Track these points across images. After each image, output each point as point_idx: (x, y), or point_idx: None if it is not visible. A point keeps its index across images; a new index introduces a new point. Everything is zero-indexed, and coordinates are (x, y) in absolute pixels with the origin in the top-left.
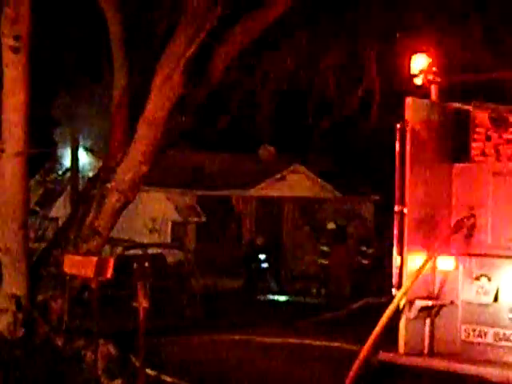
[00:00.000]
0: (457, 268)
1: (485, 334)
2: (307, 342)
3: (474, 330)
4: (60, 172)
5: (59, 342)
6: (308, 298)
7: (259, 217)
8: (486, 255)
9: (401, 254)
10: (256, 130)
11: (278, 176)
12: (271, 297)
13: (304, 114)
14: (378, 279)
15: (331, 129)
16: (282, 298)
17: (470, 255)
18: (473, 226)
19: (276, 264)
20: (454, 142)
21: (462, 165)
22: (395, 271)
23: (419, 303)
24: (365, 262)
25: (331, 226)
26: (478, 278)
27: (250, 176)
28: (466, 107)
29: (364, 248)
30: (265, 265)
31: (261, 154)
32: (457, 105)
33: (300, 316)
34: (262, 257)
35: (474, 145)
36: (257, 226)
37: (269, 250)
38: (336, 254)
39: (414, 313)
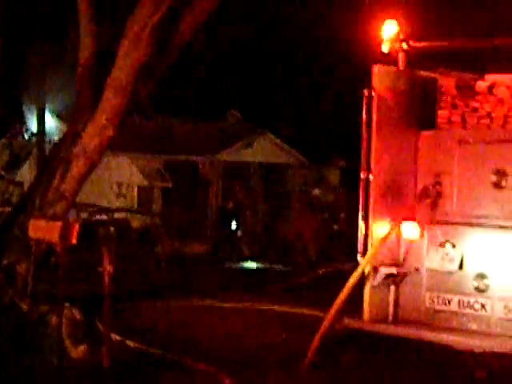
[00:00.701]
0: (422, 235)
1: (449, 302)
2: (273, 307)
3: (439, 298)
4: (26, 136)
5: (24, 306)
6: (276, 265)
7: (225, 182)
8: (450, 223)
9: (366, 220)
10: (223, 96)
11: (245, 142)
12: (241, 263)
13: (270, 81)
14: (347, 245)
15: (297, 95)
16: (250, 265)
17: (435, 223)
18: (438, 194)
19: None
20: (420, 110)
21: (428, 132)
22: (360, 238)
23: (384, 270)
24: (335, 227)
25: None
26: (442, 245)
27: (217, 141)
28: (433, 75)
29: (334, 214)
30: (236, 230)
31: (227, 120)
32: (424, 73)
33: (267, 282)
34: (234, 222)
35: (440, 112)
36: (223, 192)
37: (239, 214)
38: (308, 220)
39: (378, 280)
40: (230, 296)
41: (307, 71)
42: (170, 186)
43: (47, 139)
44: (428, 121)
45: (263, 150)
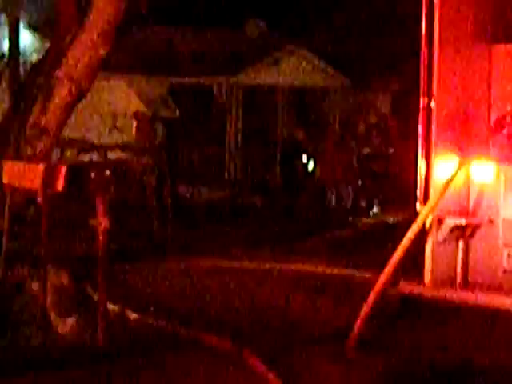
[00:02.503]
0: (497, 177)
1: None
2: (308, 268)
3: None
4: None
5: None
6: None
7: (247, 110)
8: None
9: (427, 159)
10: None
11: (271, 59)
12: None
13: None
14: (402, 190)
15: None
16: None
17: None
18: None
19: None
20: (494, 19)
21: (504, 47)
22: (420, 181)
23: (450, 222)
24: (386, 166)
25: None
26: None
27: (236, 59)
28: None
29: (384, 150)
30: (310, 168)
31: (248, 31)
32: None
33: (301, 235)
34: (305, 158)
35: None
36: (244, 122)
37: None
38: (349, 157)
39: (443, 234)
40: (254, 254)
41: None
42: (178, 116)
43: (22, 60)
44: (504, 32)
45: (294, 69)
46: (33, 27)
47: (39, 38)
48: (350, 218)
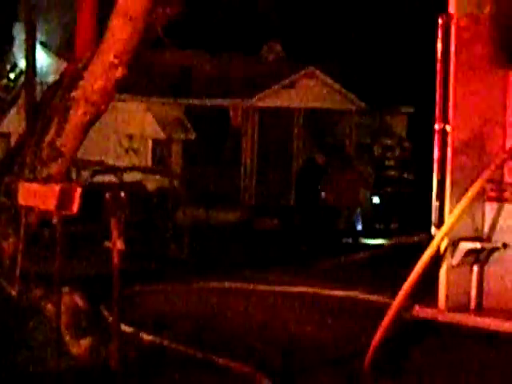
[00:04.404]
0: None
1: None
2: (323, 291)
3: None
4: (13, 76)
5: (12, 291)
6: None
7: (263, 133)
8: None
9: (442, 183)
10: (259, 25)
11: (287, 82)
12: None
13: (320, 6)
14: (417, 213)
15: (353, 22)
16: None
17: None
18: None
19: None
20: (510, 41)
21: None
22: (435, 205)
23: (465, 246)
24: (403, 190)
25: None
26: None
27: (252, 82)
28: None
29: (399, 173)
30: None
31: (264, 54)
32: None
33: (313, 258)
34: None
35: None
36: (259, 145)
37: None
38: (363, 179)
39: (458, 258)
40: (269, 276)
41: None
42: (194, 138)
43: (39, 80)
44: None
45: (310, 92)
46: (49, 48)
47: (56, 58)
48: (365, 241)
